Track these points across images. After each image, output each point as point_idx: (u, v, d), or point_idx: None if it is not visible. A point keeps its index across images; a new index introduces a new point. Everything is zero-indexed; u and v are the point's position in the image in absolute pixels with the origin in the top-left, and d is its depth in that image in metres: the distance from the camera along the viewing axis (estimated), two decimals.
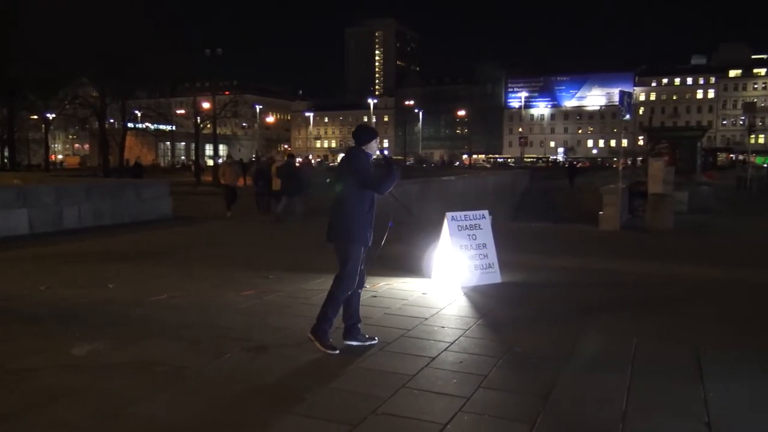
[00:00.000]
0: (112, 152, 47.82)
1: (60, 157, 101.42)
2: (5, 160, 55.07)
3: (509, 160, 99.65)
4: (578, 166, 54.32)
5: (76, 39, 38.13)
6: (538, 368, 4.82)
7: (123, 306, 6.57)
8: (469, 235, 7.96)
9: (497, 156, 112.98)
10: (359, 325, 5.37)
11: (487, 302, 7.00)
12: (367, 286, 7.57)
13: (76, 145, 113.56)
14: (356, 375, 4.62)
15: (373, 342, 5.34)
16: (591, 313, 6.56)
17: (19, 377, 4.44)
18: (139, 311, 6.36)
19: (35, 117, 58.93)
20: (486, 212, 8.30)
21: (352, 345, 5.26)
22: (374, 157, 5.30)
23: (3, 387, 4.27)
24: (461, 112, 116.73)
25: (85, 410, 3.91)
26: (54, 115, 55.29)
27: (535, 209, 25.98)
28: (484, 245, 8.03)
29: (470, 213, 8.13)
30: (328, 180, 5.08)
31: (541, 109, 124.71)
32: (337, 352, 5.03)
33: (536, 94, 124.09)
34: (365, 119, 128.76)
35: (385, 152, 5.56)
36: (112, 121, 55.70)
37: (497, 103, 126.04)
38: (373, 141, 5.23)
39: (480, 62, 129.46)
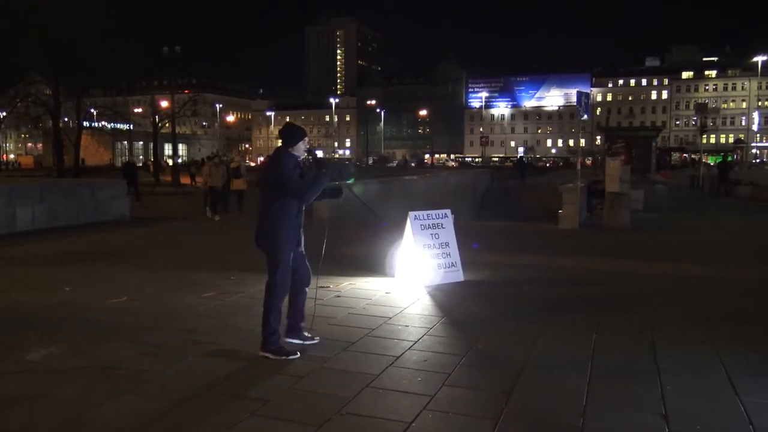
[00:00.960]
0: (66, 152, 46.57)
1: (12, 156, 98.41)
2: None
3: (477, 159, 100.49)
4: (546, 165, 55.85)
5: (27, 34, 37.03)
6: (501, 365, 4.88)
7: (80, 309, 6.41)
8: (432, 234, 8.01)
9: (465, 156, 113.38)
10: (302, 324, 5.31)
11: (450, 301, 7.06)
12: (331, 285, 7.57)
13: (29, 144, 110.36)
14: (320, 375, 4.60)
15: (315, 342, 5.28)
16: (552, 310, 6.68)
17: None
18: (97, 315, 6.21)
19: None
20: (448, 211, 8.36)
21: (293, 342, 5.20)
22: (302, 158, 5.05)
23: None
24: (423, 112, 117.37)
25: (41, 417, 3.81)
26: (5, 114, 53.58)
27: (497, 208, 26.28)
28: (447, 244, 8.09)
29: (433, 212, 8.18)
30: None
31: (502, 109, 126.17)
32: (298, 355, 4.97)
33: (496, 95, 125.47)
34: (327, 119, 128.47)
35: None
36: (66, 119, 54.27)
37: (458, 103, 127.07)
38: (301, 142, 4.95)
39: (441, 62, 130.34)
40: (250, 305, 6.67)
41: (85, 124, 53.01)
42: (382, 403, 4.10)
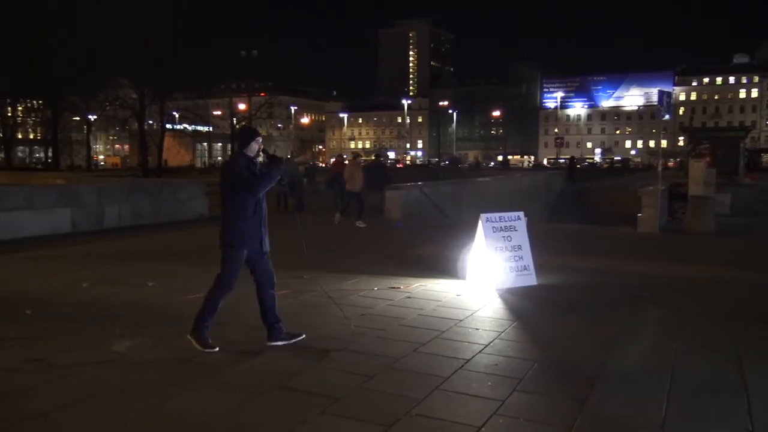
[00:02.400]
0: (150, 153, 48.79)
1: (101, 157, 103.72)
2: (49, 161, 56.69)
3: (574, 160, 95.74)
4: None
5: (115, 41, 39.05)
6: (575, 372, 4.75)
7: (161, 304, 6.69)
8: (504, 236, 7.89)
9: (558, 157, 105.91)
10: (280, 324, 5.33)
11: (522, 304, 6.93)
12: (401, 287, 7.59)
13: (117, 145, 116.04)
14: (390, 376, 4.61)
15: (301, 337, 5.34)
16: (629, 316, 6.45)
17: (62, 372, 4.56)
18: (177, 309, 6.45)
19: (77, 118, 60.53)
20: (521, 213, 8.21)
21: (278, 345, 5.24)
22: (258, 158, 5.23)
23: (46, 382, 4.38)
24: (496, 113, 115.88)
25: (123, 405, 3.99)
26: (95, 117, 56.67)
27: (572, 210, 25.63)
28: (520, 247, 7.95)
29: (505, 214, 8.06)
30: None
31: (578, 109, 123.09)
32: (216, 349, 5.04)
33: (572, 94, 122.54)
34: (399, 120, 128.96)
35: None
36: (151, 122, 56.86)
37: (532, 103, 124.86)
38: (253, 142, 5.19)
39: (515, 62, 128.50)
40: (321, 304, 6.78)
41: (168, 126, 55.37)
42: (452, 405, 4.07)
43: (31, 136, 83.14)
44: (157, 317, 6.16)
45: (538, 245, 8.59)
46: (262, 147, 5.29)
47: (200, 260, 9.68)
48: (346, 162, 18.69)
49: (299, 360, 4.93)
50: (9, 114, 58.42)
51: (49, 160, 56.69)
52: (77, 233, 12.77)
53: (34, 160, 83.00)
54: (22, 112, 63.88)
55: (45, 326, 5.76)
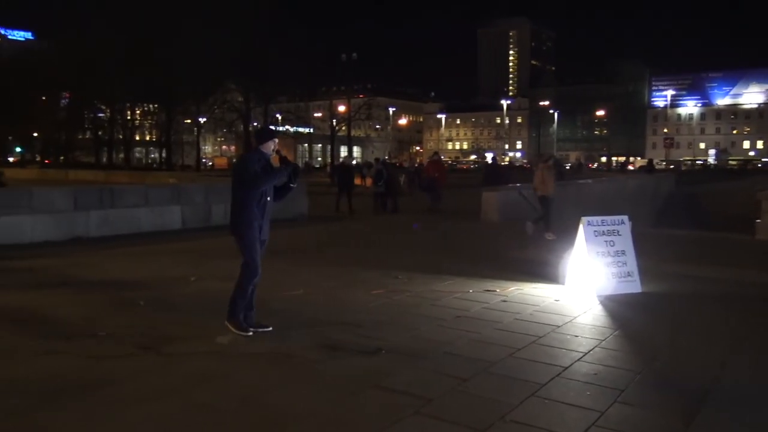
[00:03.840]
0: None
1: (210, 163, 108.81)
2: (163, 161, 60.37)
3: (652, 162, 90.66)
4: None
5: (223, 48, 41.07)
6: (682, 387, 4.48)
7: (262, 300, 6.87)
8: (606, 241, 7.58)
9: (696, 158, 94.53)
10: (251, 313, 5.64)
11: (624, 312, 6.63)
12: (497, 290, 7.46)
13: (224, 147, 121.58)
14: (485, 379, 4.54)
15: (267, 329, 5.58)
16: (743, 331, 6.01)
17: (170, 361, 4.83)
18: (277, 305, 6.67)
19: (188, 121, 64.03)
20: (625, 217, 7.87)
21: (232, 330, 5.52)
22: (272, 157, 5.49)
23: (156, 370, 4.65)
24: (600, 113, 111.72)
25: (224, 395, 4.17)
26: (205, 119, 59.75)
27: (681, 215, 24.29)
28: (623, 252, 7.61)
29: (608, 218, 7.75)
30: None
31: (690, 108, 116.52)
32: (251, 333, 5.40)
33: (684, 93, 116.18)
34: (498, 120, 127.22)
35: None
36: (255, 124, 59.25)
37: (639, 102, 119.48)
38: (271, 141, 5.50)
39: (620, 60, 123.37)
40: (416, 304, 6.79)
41: (272, 127, 57.41)
42: (548, 413, 3.96)
43: (147, 138, 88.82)
44: (260, 312, 6.35)
45: (644, 251, 8.20)
46: (277, 148, 5.57)
47: (300, 258, 9.96)
48: (538, 166, 15.72)
49: (393, 360, 4.95)
50: (129, 117, 62.77)
51: (163, 161, 60.34)
52: (186, 230, 13.50)
53: (149, 160, 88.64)
54: (140, 115, 68.46)
55: (156, 316, 6.13)
